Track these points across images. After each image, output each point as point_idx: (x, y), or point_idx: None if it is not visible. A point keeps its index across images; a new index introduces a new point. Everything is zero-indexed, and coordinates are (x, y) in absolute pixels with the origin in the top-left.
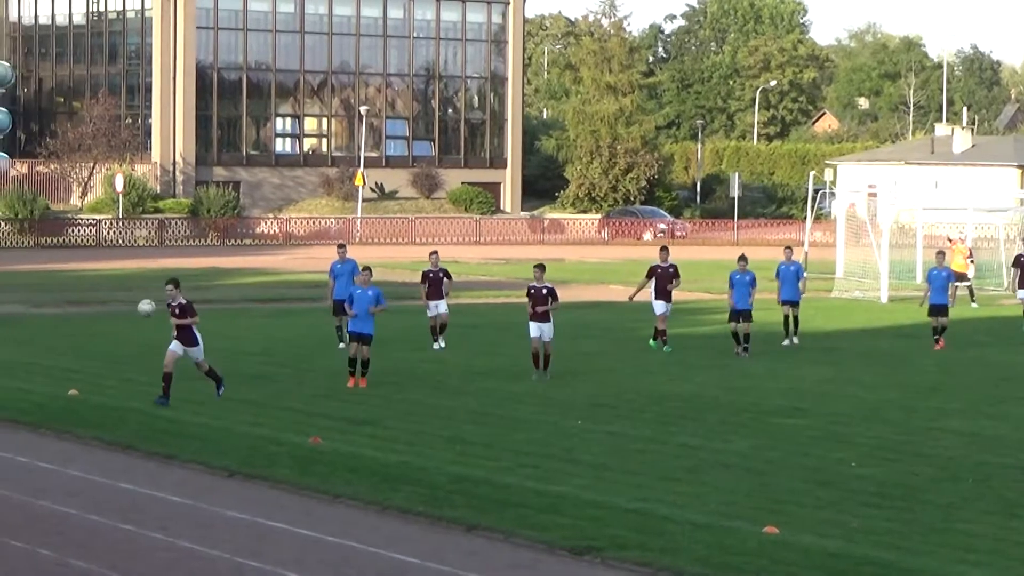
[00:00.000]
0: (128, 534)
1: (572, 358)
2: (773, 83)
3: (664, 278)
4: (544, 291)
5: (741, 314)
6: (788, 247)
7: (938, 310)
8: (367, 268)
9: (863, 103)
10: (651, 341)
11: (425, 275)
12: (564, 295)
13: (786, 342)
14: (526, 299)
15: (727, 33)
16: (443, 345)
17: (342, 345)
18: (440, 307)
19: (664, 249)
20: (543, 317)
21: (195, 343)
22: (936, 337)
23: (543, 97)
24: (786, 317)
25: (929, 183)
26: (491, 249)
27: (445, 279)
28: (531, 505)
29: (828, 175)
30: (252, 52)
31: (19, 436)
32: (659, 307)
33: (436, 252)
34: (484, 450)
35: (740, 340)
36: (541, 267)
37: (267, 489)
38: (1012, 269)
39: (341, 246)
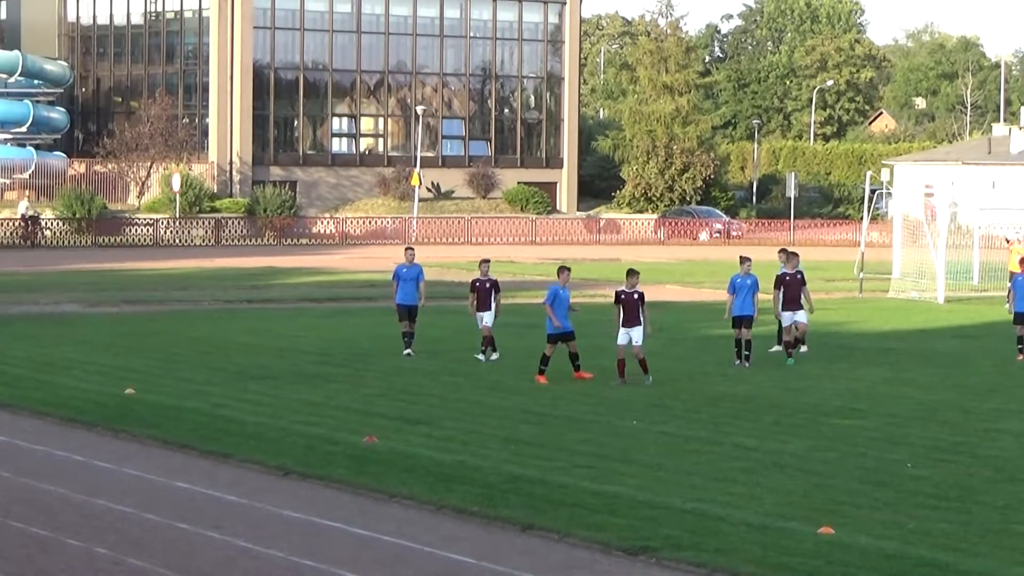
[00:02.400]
0: (183, 532)
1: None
2: (830, 83)
3: (793, 286)
4: (636, 296)
5: (743, 321)
6: (783, 249)
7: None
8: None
9: (920, 103)
10: (787, 359)
11: (473, 284)
12: None
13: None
14: (615, 305)
15: (784, 33)
16: (486, 359)
17: (408, 352)
18: (486, 319)
19: (785, 251)
20: (634, 322)
21: None
22: (1020, 347)
23: (599, 97)
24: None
25: (986, 183)
26: (547, 249)
27: (493, 291)
28: (586, 505)
29: (885, 175)
30: (309, 52)
31: (76, 434)
32: (787, 317)
33: (488, 261)
34: (539, 450)
35: (743, 348)
36: (635, 273)
37: (322, 488)
38: None
39: (409, 249)
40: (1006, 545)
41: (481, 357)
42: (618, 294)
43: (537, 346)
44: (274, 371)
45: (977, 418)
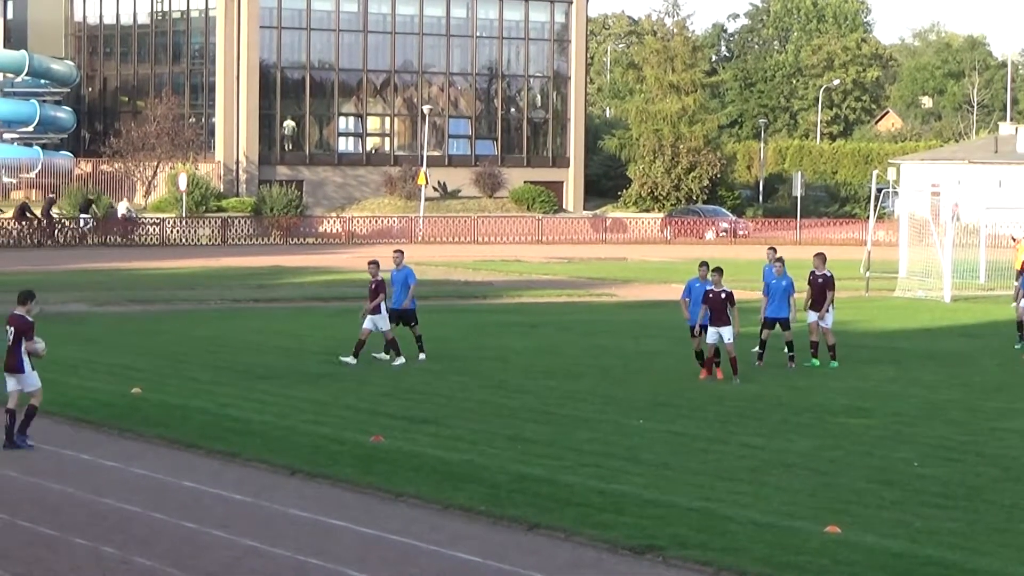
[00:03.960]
0: (191, 532)
1: (634, 357)
2: (836, 82)
3: (817, 287)
4: (723, 295)
5: (779, 322)
6: (772, 248)
7: None
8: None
9: (927, 102)
10: (813, 359)
11: (371, 286)
12: (626, 294)
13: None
14: (703, 306)
15: (790, 32)
16: (391, 361)
17: (400, 360)
18: (380, 323)
19: (819, 255)
20: (722, 321)
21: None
22: None
23: (606, 96)
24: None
25: (993, 182)
26: (553, 248)
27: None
28: (593, 504)
29: (891, 174)
30: (315, 51)
31: (82, 434)
32: (811, 315)
33: (376, 262)
34: (546, 449)
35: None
36: (719, 271)
37: (329, 487)
38: None
39: (398, 252)
40: (1013, 544)
41: (383, 356)
42: (705, 293)
43: (543, 346)
44: (280, 370)
45: (984, 417)
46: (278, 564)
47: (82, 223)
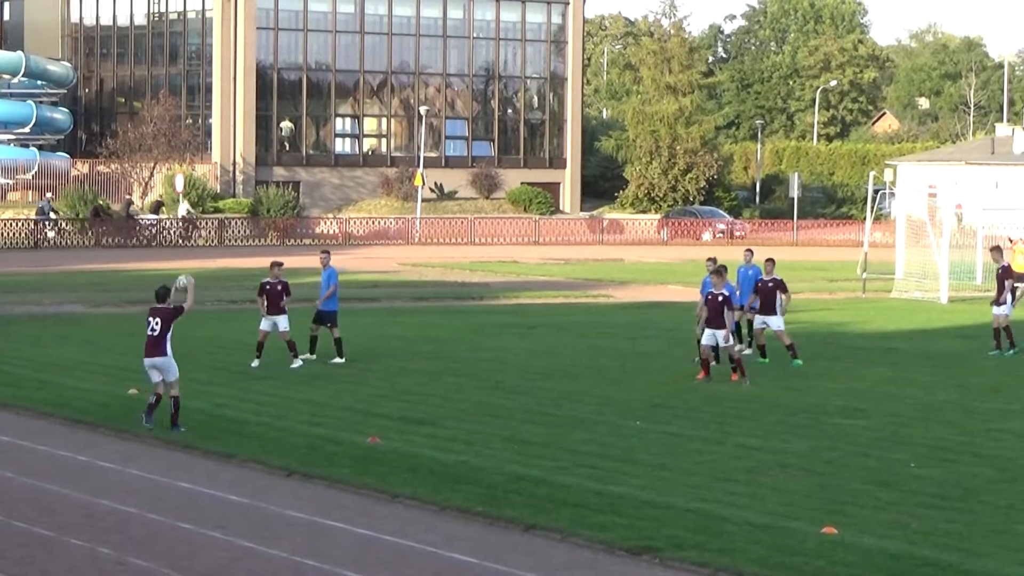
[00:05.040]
0: (187, 533)
1: (631, 358)
2: (833, 83)
3: (767, 291)
4: (720, 298)
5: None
6: (750, 249)
7: None
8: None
9: (923, 103)
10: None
11: (263, 287)
12: (623, 295)
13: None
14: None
15: (787, 33)
16: (301, 364)
17: (311, 357)
18: (280, 323)
19: (769, 260)
20: (718, 324)
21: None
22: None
23: (603, 97)
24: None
25: (989, 183)
26: (550, 249)
27: (284, 293)
28: (589, 505)
29: (888, 175)
30: (312, 52)
31: (79, 435)
32: (757, 320)
33: (280, 263)
34: (542, 450)
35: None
36: (720, 273)
37: (325, 488)
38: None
39: (324, 252)
40: (1009, 545)
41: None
42: (705, 295)
43: (540, 347)
44: (277, 371)
45: (980, 418)
46: (274, 565)
47: (152, 223)
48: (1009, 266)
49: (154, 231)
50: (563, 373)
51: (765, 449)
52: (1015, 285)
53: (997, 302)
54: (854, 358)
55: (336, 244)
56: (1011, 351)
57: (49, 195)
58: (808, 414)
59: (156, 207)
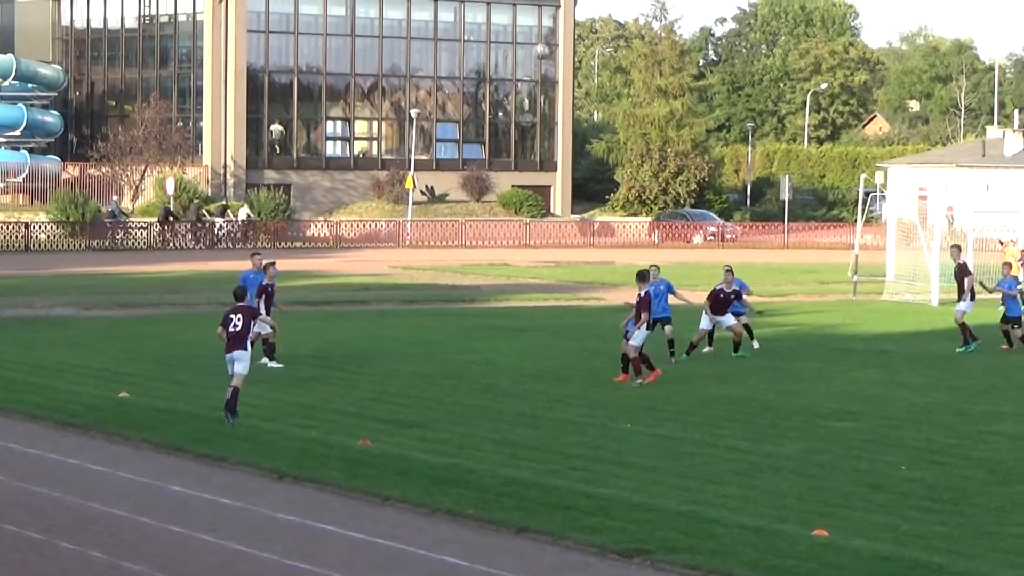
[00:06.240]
0: (178, 536)
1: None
2: (824, 86)
3: (719, 301)
4: (721, 294)
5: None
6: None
7: None
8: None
9: (914, 106)
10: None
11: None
12: (614, 298)
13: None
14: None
15: (778, 36)
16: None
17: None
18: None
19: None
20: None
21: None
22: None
23: (593, 100)
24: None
25: (980, 186)
26: (541, 252)
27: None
28: (581, 508)
29: (879, 178)
30: (303, 55)
31: (70, 438)
32: (704, 321)
33: (273, 263)
34: (534, 453)
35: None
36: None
37: (316, 492)
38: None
39: (256, 254)
40: (1000, 548)
41: (275, 364)
42: (715, 292)
43: (532, 350)
44: (268, 374)
45: (971, 420)
46: (266, 568)
47: (218, 226)
48: (966, 264)
49: (220, 233)
50: (554, 376)
51: (757, 452)
52: (978, 282)
53: (960, 298)
54: (845, 361)
55: (327, 247)
56: (973, 345)
57: (115, 198)
58: (800, 416)
59: (222, 211)
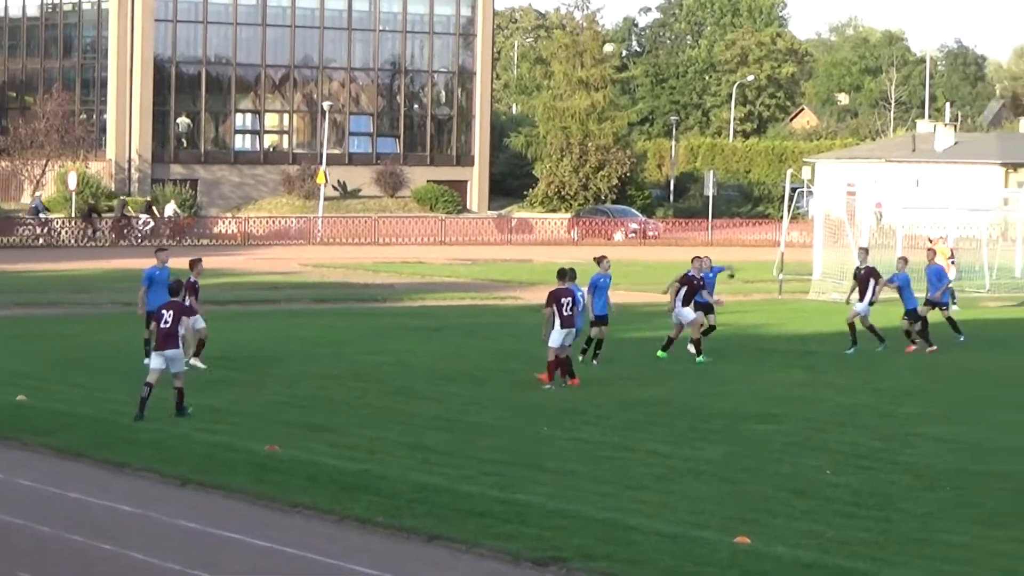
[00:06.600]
0: (78, 545)
1: (540, 362)
2: (750, 78)
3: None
4: (695, 281)
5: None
6: (697, 257)
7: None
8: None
9: (843, 99)
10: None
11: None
12: (532, 297)
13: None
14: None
15: (703, 26)
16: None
17: (148, 361)
18: (198, 322)
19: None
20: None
21: None
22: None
23: (512, 92)
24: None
25: (910, 182)
26: (457, 249)
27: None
28: (495, 514)
29: (806, 173)
30: (212, 46)
31: None
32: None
33: (168, 253)
34: (446, 458)
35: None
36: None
37: (222, 498)
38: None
39: (162, 250)
40: (926, 554)
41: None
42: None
43: (446, 350)
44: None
45: (897, 422)
46: None
47: (142, 222)
48: (874, 268)
49: (145, 230)
50: (469, 377)
51: (677, 456)
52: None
53: (861, 299)
54: (769, 361)
55: (235, 244)
56: (852, 348)
57: (39, 194)
58: (722, 419)
59: (147, 207)
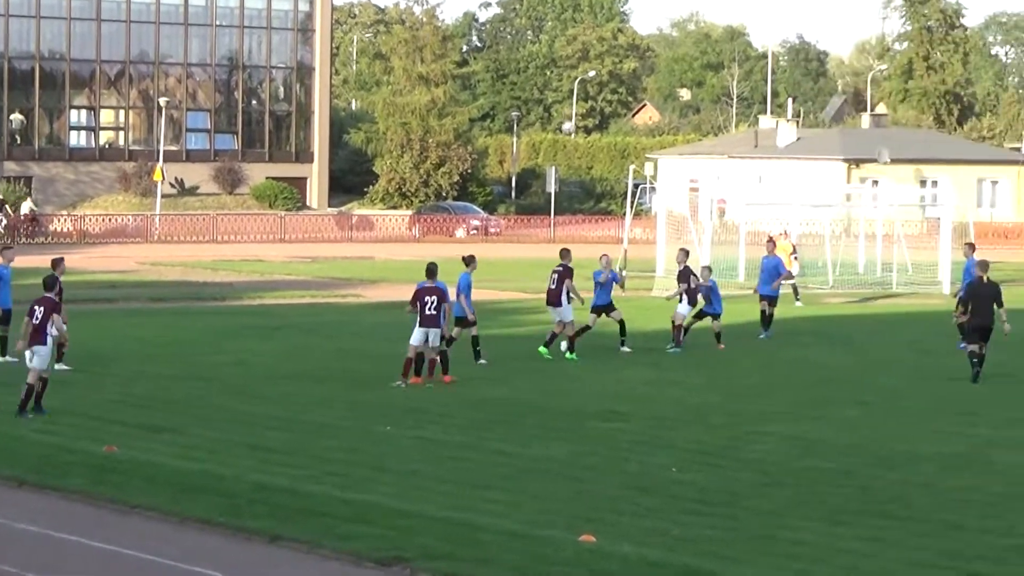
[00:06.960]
0: None
1: (383, 360)
2: (592, 74)
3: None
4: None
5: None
6: (606, 255)
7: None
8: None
9: (685, 95)
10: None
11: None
12: (374, 295)
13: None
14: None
15: (544, 22)
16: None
17: (7, 358)
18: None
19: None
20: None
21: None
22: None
23: (352, 88)
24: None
25: (753, 177)
26: (297, 247)
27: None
28: (337, 514)
29: (648, 169)
30: (45, 40)
31: None
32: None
33: (61, 259)
34: (288, 458)
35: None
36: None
37: (59, 499)
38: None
39: (7, 248)
40: (772, 551)
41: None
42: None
43: (286, 349)
44: (6, 377)
45: (743, 420)
46: None
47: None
48: (690, 268)
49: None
50: (310, 377)
51: (523, 455)
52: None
53: (680, 300)
54: (615, 359)
55: (71, 243)
56: (674, 347)
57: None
58: (568, 418)
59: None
